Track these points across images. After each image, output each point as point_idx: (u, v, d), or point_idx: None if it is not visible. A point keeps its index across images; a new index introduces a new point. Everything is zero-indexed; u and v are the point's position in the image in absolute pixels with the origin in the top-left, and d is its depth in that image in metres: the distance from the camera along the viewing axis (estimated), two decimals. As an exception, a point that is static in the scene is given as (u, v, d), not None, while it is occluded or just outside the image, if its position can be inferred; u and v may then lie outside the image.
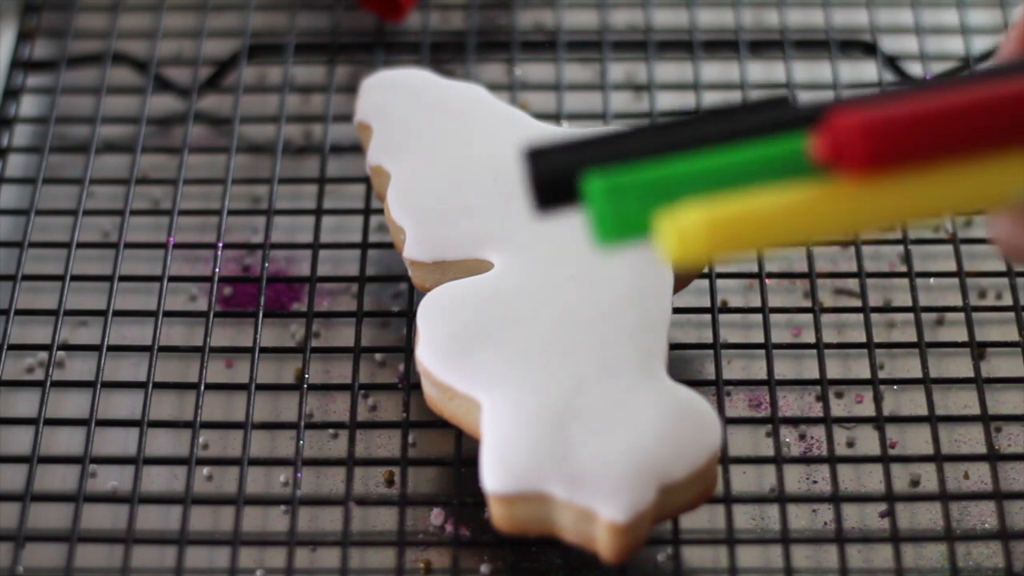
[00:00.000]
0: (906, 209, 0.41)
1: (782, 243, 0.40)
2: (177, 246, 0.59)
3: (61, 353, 0.57)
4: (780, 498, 0.52)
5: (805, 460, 0.54)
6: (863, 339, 0.56)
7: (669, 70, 0.65)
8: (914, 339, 0.56)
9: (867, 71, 0.64)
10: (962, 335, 0.56)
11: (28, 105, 0.64)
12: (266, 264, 0.58)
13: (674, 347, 0.54)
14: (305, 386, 0.55)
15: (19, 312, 0.57)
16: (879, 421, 0.54)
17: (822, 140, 0.40)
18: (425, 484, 0.54)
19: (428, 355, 0.51)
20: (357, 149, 0.61)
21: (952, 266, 0.58)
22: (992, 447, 0.53)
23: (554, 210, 0.41)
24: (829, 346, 0.56)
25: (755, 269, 0.58)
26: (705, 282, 0.57)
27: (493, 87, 0.60)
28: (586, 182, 0.40)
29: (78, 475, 0.53)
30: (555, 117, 0.62)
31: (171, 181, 0.61)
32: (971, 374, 0.55)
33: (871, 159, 0.40)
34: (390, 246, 0.57)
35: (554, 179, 0.41)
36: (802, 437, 0.55)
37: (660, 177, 0.40)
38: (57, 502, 0.53)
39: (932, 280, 0.58)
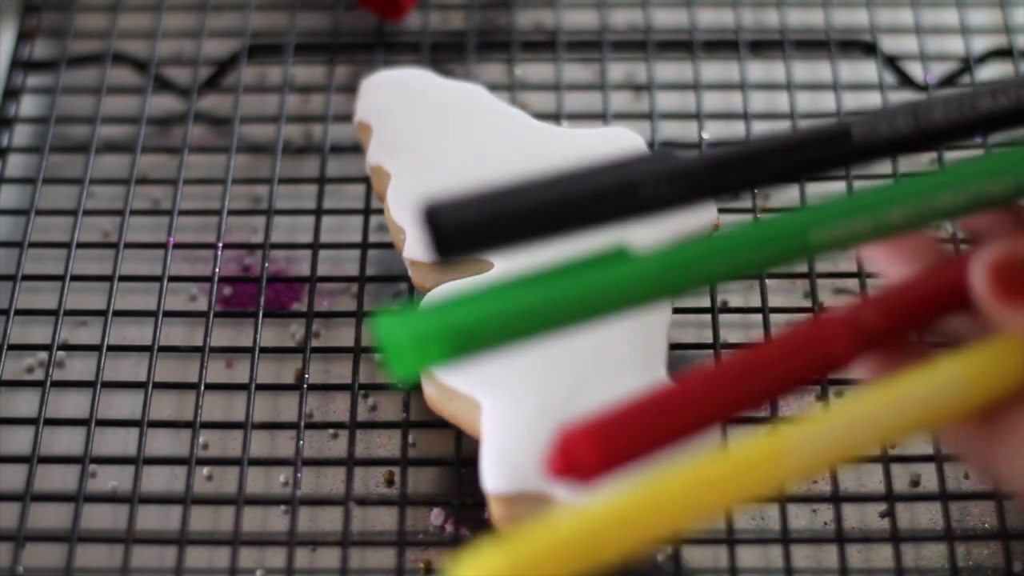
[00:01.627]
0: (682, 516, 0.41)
1: (590, 566, 0.40)
2: (177, 246, 0.59)
3: (61, 353, 0.57)
4: (780, 498, 0.52)
5: (805, 460, 0.54)
6: (863, 339, 0.56)
7: (669, 70, 0.65)
8: (914, 339, 0.56)
9: (867, 71, 0.64)
10: (962, 335, 0.56)
11: (28, 105, 0.64)
12: (266, 264, 0.58)
13: (674, 347, 0.54)
14: (305, 386, 0.55)
15: (19, 312, 0.57)
16: (879, 421, 0.54)
17: (555, 458, 0.40)
18: (425, 484, 0.54)
19: (428, 355, 0.51)
20: (357, 149, 0.61)
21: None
22: (992, 447, 0.53)
23: (455, 260, 0.41)
24: (829, 346, 0.56)
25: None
26: (705, 282, 0.57)
27: (493, 87, 0.60)
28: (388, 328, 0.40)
29: (78, 475, 0.53)
30: (555, 117, 0.62)
31: (171, 181, 0.61)
32: (971, 374, 0.55)
33: (604, 463, 0.40)
34: (390, 246, 0.57)
35: (457, 232, 0.40)
36: (802, 437, 0.55)
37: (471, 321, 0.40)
38: (57, 502, 0.53)
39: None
